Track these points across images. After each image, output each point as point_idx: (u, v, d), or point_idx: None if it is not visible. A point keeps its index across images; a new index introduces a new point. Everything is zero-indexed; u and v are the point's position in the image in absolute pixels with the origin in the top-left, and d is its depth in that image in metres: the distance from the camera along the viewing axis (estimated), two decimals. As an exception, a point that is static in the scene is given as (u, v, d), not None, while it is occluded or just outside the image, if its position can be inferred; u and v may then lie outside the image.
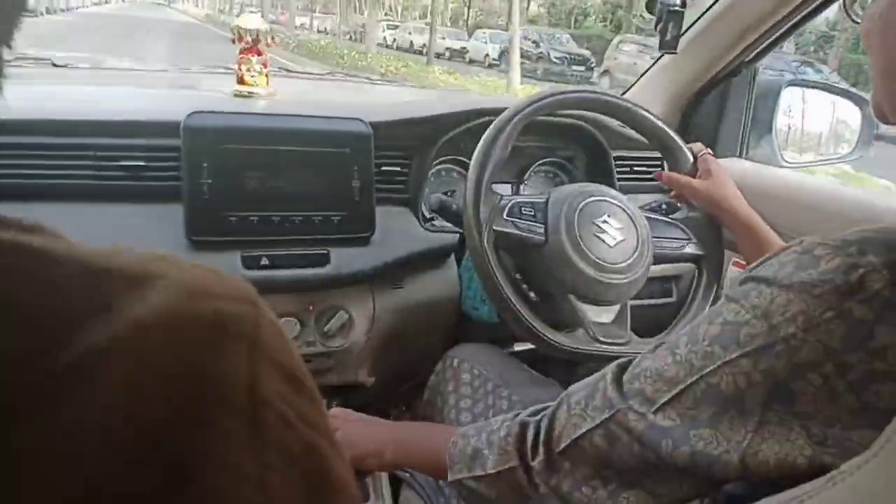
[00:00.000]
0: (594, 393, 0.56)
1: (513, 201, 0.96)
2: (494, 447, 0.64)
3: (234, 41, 1.24)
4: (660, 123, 1.05)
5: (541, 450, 0.59)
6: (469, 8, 32.03)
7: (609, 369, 0.57)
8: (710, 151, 1.07)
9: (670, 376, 0.50)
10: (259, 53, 1.23)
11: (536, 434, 0.60)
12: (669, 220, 1.08)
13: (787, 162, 1.35)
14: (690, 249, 1.06)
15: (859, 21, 0.58)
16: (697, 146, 1.07)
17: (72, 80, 1.37)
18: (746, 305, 0.47)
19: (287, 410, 0.25)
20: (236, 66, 1.24)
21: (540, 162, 1.33)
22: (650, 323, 1.09)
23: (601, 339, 0.93)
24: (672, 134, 1.05)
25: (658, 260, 1.03)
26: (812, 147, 1.43)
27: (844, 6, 0.61)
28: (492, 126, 0.97)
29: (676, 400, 0.49)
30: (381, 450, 0.78)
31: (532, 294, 1.00)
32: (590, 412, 0.56)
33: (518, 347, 1.26)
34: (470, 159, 0.97)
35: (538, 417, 0.62)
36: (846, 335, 0.42)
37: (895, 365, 0.41)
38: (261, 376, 0.24)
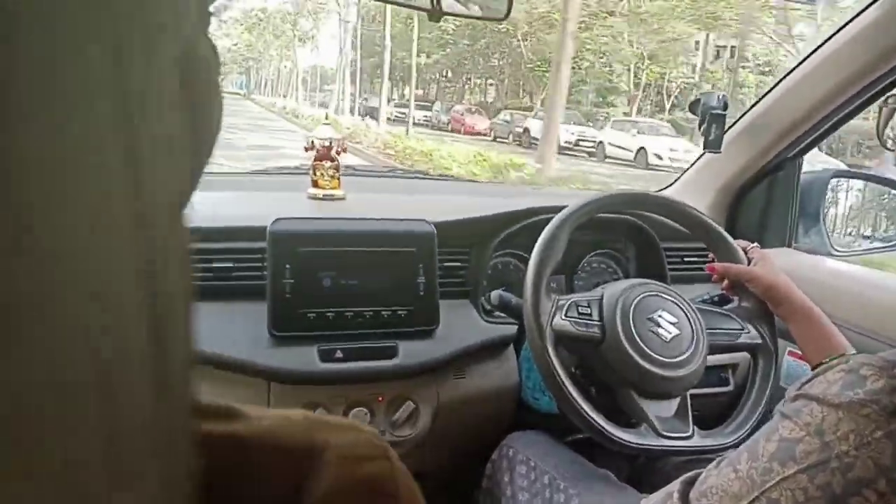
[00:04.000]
0: None
1: (570, 300, 1.02)
2: None
3: (306, 149, 1.37)
4: (708, 220, 1.11)
5: None
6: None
7: (676, 487, 0.60)
8: (758, 245, 1.11)
9: (734, 492, 0.53)
10: (332, 160, 1.36)
11: None
12: (722, 311, 1.11)
13: (837, 251, 1.38)
14: (745, 339, 1.09)
15: (893, 149, 0.63)
16: (744, 242, 1.11)
17: None
18: (800, 423, 0.51)
19: None
20: (311, 171, 1.37)
21: (592, 254, 1.39)
22: (709, 412, 1.11)
23: (664, 433, 0.96)
24: (720, 230, 1.11)
25: (714, 350, 1.06)
26: (861, 236, 1.45)
27: (878, 134, 0.65)
28: (547, 229, 1.04)
29: None
30: None
31: (593, 389, 1.04)
32: None
33: (576, 435, 1.28)
34: (525, 253, 1.04)
35: None
36: None
37: None
38: None
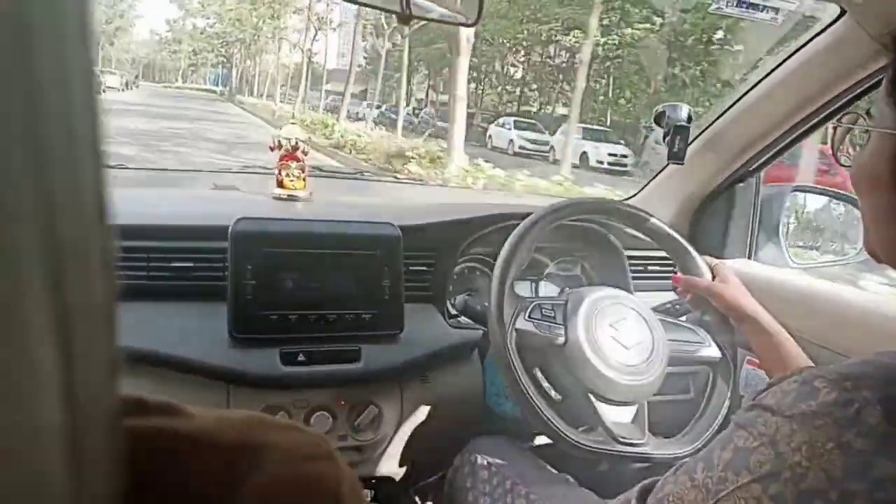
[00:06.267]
0: None
1: (534, 303, 1.03)
2: None
3: (271, 149, 1.36)
4: (673, 233, 1.13)
5: None
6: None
7: (634, 494, 0.61)
8: (723, 262, 1.13)
9: (690, 500, 0.54)
10: (297, 160, 1.34)
11: None
12: (684, 323, 1.13)
13: (794, 263, 1.41)
14: (705, 353, 1.10)
15: (847, 166, 0.64)
16: (710, 259, 1.13)
17: (122, 181, 1.48)
18: (754, 433, 0.51)
19: None
20: (276, 171, 1.35)
21: (558, 260, 1.41)
22: (668, 419, 1.13)
23: (620, 438, 0.97)
24: (686, 244, 1.12)
25: (673, 363, 1.07)
26: (818, 249, 1.49)
27: (833, 153, 0.66)
28: (514, 233, 1.04)
29: None
30: None
31: (553, 392, 1.05)
32: None
33: (539, 441, 1.29)
34: (491, 259, 1.04)
35: None
36: (847, 465, 0.45)
37: (894, 495, 0.44)
38: None
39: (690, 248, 1.12)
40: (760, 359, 1.02)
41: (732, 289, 1.06)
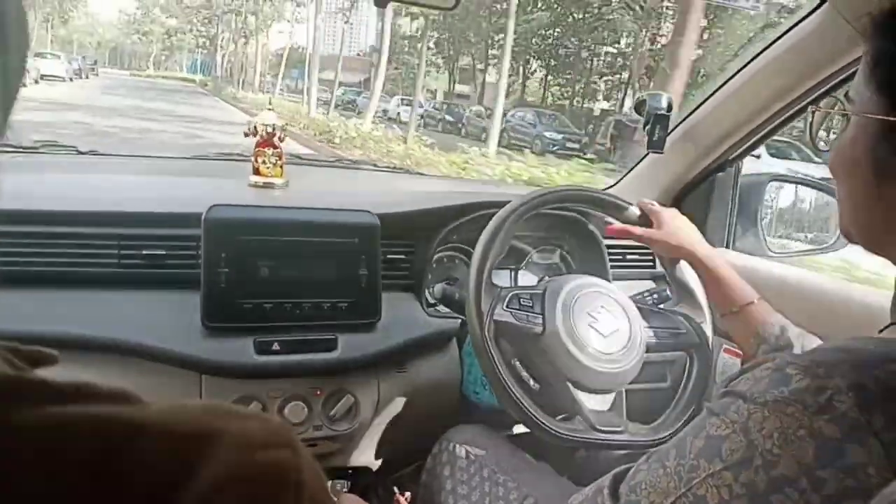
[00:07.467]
0: None
1: (512, 292, 1.02)
2: None
3: (246, 135, 1.33)
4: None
5: None
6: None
7: (606, 481, 0.60)
8: (654, 203, 1.11)
9: (662, 488, 0.53)
10: (274, 147, 1.32)
11: None
12: (661, 310, 1.13)
13: (772, 252, 1.42)
14: (682, 339, 1.10)
15: (825, 150, 0.64)
16: (644, 201, 1.11)
17: (96, 167, 1.45)
18: (727, 420, 0.51)
19: None
20: (252, 158, 1.33)
21: (537, 249, 1.40)
22: (645, 407, 1.13)
23: (598, 427, 0.97)
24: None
25: (651, 349, 1.07)
26: (796, 238, 1.50)
27: (810, 135, 0.66)
28: (492, 222, 1.03)
29: None
30: None
31: (532, 381, 1.04)
32: None
33: (517, 430, 1.29)
34: (470, 247, 1.03)
35: None
36: (818, 452, 0.45)
37: (865, 482, 0.44)
38: None
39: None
40: (707, 292, 1.03)
41: (667, 232, 1.06)
